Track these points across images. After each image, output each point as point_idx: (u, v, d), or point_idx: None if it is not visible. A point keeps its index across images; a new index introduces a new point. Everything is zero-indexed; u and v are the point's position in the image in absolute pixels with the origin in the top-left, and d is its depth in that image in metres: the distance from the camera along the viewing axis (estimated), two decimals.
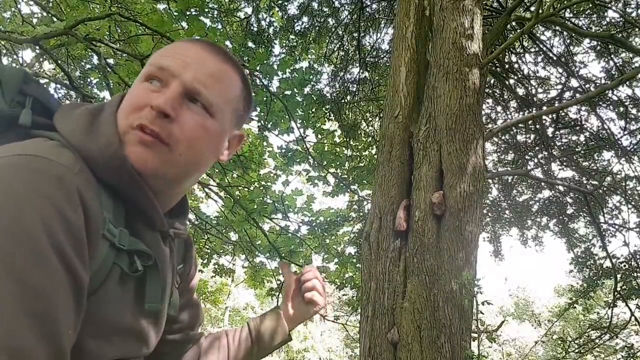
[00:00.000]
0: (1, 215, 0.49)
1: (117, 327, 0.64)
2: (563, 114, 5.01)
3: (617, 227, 4.93)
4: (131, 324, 0.66)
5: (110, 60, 4.47)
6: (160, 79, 0.68)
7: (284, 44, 5.75)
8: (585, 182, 5.21)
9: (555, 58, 4.80)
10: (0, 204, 0.49)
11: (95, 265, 0.59)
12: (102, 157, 0.62)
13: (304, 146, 5.06)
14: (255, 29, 5.47)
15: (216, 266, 6.06)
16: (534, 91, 5.14)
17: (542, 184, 5.55)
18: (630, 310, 4.19)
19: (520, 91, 5.14)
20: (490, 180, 5.64)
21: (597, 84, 4.66)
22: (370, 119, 6.11)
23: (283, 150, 5.33)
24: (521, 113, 5.14)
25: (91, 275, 0.57)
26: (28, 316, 0.46)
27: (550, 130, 5.17)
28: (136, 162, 0.65)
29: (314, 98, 5.10)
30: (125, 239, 0.64)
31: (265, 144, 5.46)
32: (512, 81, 5.10)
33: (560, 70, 4.98)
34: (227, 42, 4.36)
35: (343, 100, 5.57)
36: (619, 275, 4.35)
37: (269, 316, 1.05)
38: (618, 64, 4.63)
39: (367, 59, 5.67)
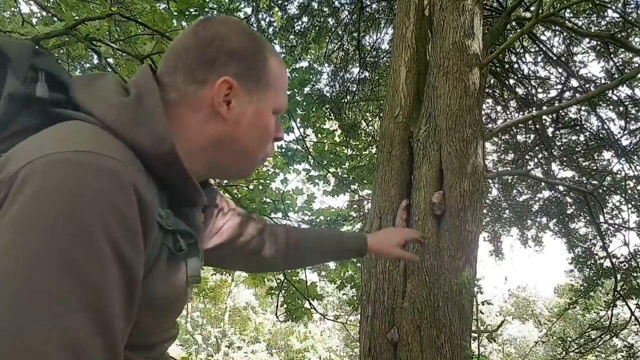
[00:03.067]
0: (59, 213, 0.50)
1: (167, 303, 0.70)
2: (563, 114, 5.01)
3: (617, 226, 4.93)
4: (177, 298, 0.72)
5: (110, 60, 4.47)
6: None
7: (284, 44, 5.75)
8: (585, 182, 5.21)
9: (555, 58, 4.80)
10: (60, 203, 0.50)
11: (150, 249, 0.62)
12: (155, 152, 0.63)
13: (304, 145, 5.07)
14: (255, 29, 5.47)
15: None
16: (534, 91, 5.14)
17: (542, 183, 5.55)
18: (630, 310, 4.20)
19: (520, 91, 5.14)
20: (490, 180, 5.64)
21: (597, 84, 4.66)
22: (370, 118, 6.11)
23: (283, 150, 5.34)
24: (521, 113, 5.14)
25: (146, 258, 0.61)
26: (86, 312, 0.49)
27: (550, 130, 5.17)
28: (249, 175, 0.84)
29: (314, 98, 5.10)
30: (171, 220, 0.67)
31: None
32: (512, 81, 5.10)
33: (560, 70, 4.98)
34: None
35: (343, 100, 5.57)
36: (619, 275, 4.35)
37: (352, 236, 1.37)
38: (618, 64, 4.63)
39: (367, 59, 5.67)
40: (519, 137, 5.59)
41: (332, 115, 5.58)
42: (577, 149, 5.16)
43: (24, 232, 0.49)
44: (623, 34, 4.36)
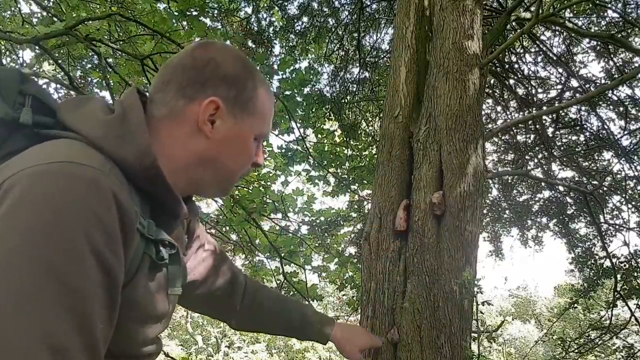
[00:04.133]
0: (42, 221, 0.52)
1: (148, 311, 0.72)
2: (563, 114, 5.01)
3: (617, 227, 4.92)
4: (160, 308, 0.74)
5: (110, 60, 4.47)
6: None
7: (284, 44, 5.75)
8: (585, 182, 5.20)
9: (555, 58, 4.80)
10: (41, 210, 0.53)
11: (130, 256, 0.64)
12: (138, 166, 0.66)
13: (304, 146, 5.06)
14: (255, 29, 5.47)
15: None
16: (534, 91, 5.14)
17: (542, 184, 5.54)
18: (630, 310, 4.19)
19: (520, 91, 5.13)
20: (490, 180, 5.64)
21: (597, 84, 4.66)
22: (370, 119, 6.10)
23: (283, 150, 5.33)
24: (521, 113, 5.13)
25: (127, 265, 0.63)
26: (66, 313, 0.51)
27: (550, 130, 5.16)
28: (226, 195, 0.88)
29: (314, 98, 5.10)
30: (153, 230, 0.69)
31: (265, 143, 5.44)
32: (512, 81, 5.10)
33: (560, 70, 4.98)
34: (227, 42, 4.36)
35: (343, 100, 5.56)
36: (619, 275, 4.35)
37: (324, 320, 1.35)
38: (618, 64, 4.63)
39: (367, 59, 5.66)
40: (519, 137, 5.59)
41: (332, 115, 5.58)
42: (577, 149, 5.15)
43: (5, 238, 0.51)
44: (623, 33, 4.36)
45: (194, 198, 0.91)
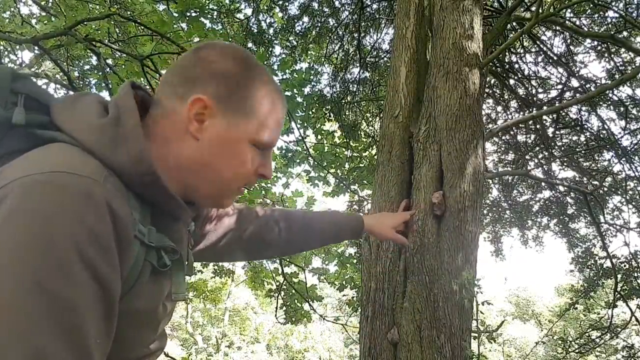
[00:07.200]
0: (33, 234, 0.51)
1: (150, 317, 0.71)
2: (563, 114, 5.01)
3: (617, 227, 4.92)
4: (161, 313, 0.73)
5: (110, 61, 4.46)
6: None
7: (284, 45, 5.75)
8: (585, 182, 5.20)
9: (555, 58, 4.79)
10: (32, 223, 0.51)
11: (129, 265, 0.62)
12: (134, 171, 0.64)
13: (304, 147, 5.06)
14: (255, 30, 5.47)
15: (216, 267, 6.06)
16: (534, 91, 5.14)
17: (543, 184, 5.54)
18: (631, 310, 4.19)
19: (521, 91, 5.13)
20: (490, 180, 5.63)
21: (598, 84, 4.66)
22: (370, 119, 6.10)
23: (283, 151, 5.33)
24: (521, 113, 5.13)
25: (126, 274, 0.61)
26: (57, 329, 0.49)
27: (550, 130, 5.16)
28: (225, 207, 0.82)
29: (314, 98, 5.10)
30: (154, 237, 0.67)
31: None
32: (512, 81, 5.10)
33: (561, 70, 4.98)
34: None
35: (343, 101, 5.56)
36: (619, 275, 4.35)
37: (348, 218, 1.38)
38: (619, 64, 4.63)
39: (367, 59, 5.66)
40: (519, 137, 5.59)
41: (332, 115, 5.57)
42: (577, 149, 5.15)
43: None
44: (625, 33, 4.35)
45: None
